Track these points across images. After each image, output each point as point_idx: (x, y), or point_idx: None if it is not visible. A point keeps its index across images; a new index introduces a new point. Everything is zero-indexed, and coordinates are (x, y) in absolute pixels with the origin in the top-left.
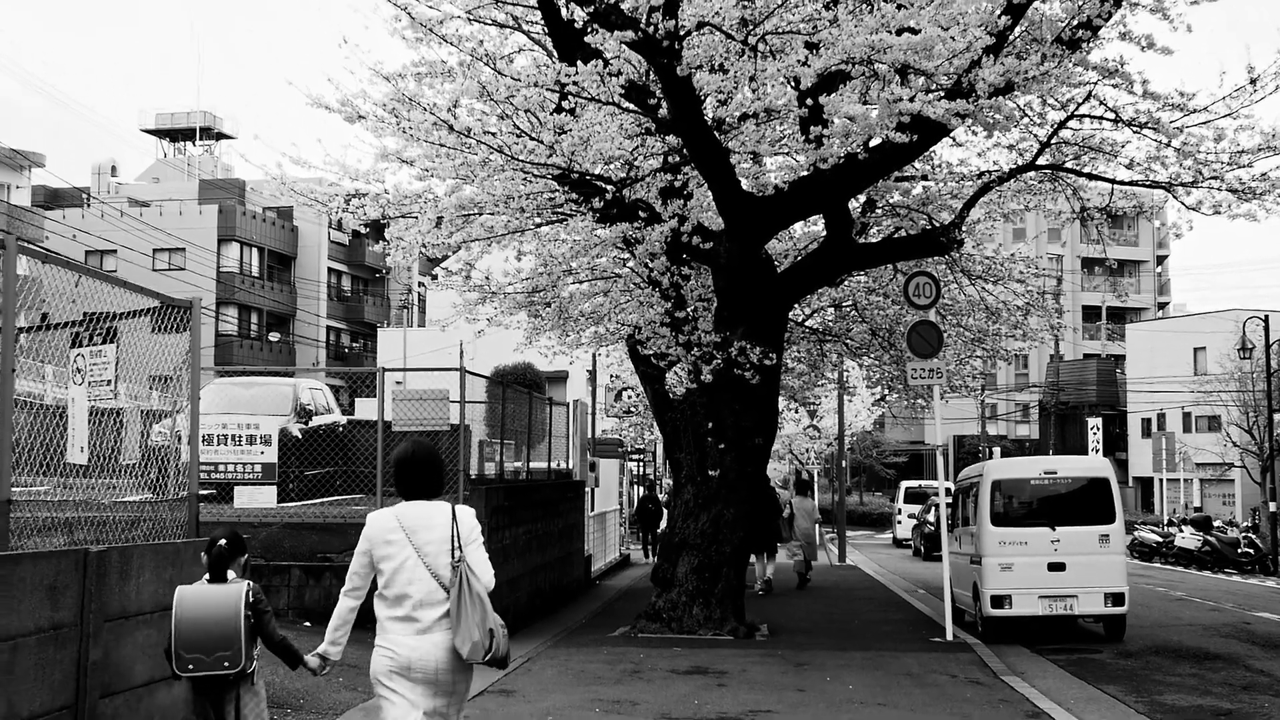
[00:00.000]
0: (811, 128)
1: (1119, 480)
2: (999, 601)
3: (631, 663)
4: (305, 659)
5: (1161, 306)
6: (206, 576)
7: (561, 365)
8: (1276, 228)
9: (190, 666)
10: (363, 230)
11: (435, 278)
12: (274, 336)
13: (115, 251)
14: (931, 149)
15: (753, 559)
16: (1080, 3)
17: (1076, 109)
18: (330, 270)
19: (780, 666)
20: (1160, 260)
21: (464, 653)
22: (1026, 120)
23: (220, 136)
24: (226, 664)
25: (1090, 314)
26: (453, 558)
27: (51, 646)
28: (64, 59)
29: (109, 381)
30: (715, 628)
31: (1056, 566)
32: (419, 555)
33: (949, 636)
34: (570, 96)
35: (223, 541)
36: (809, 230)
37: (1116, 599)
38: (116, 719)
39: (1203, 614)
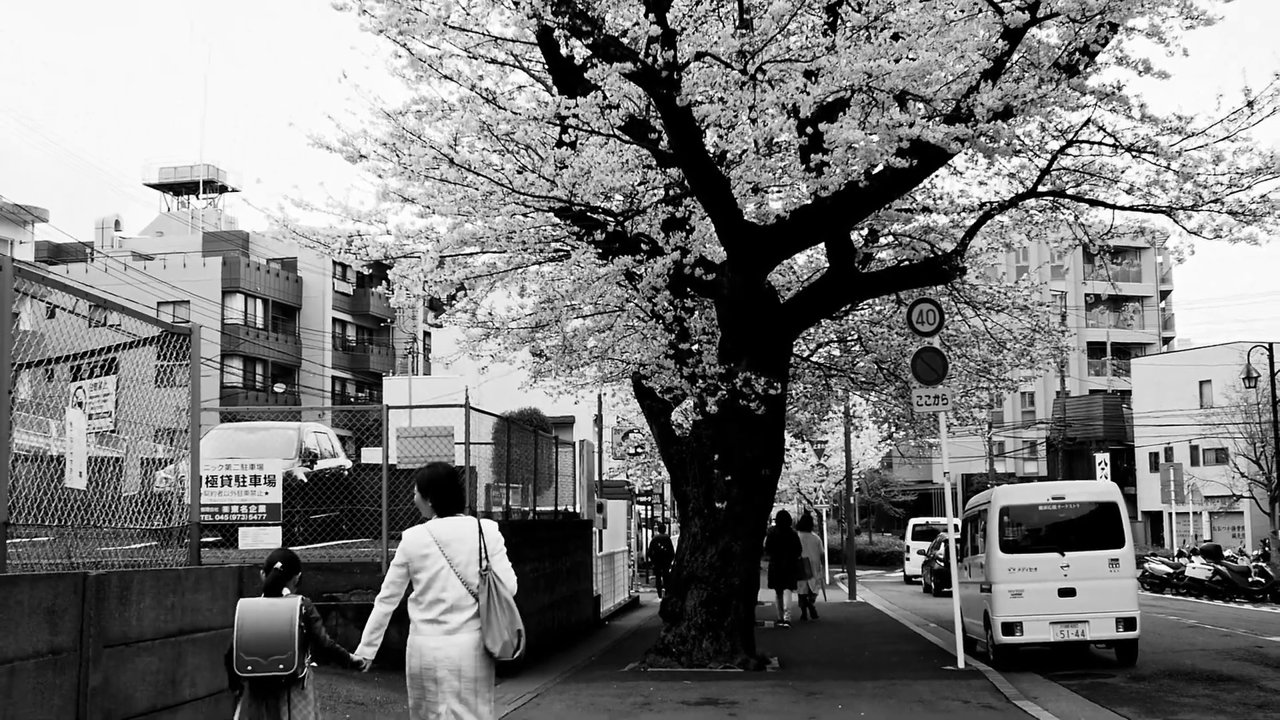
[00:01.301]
0: (812, 156)
1: (1128, 515)
2: (1010, 629)
3: (642, 695)
4: (352, 658)
5: (1166, 341)
6: (264, 592)
7: (567, 409)
8: (1275, 260)
9: (249, 668)
10: (366, 272)
11: (440, 326)
12: (279, 388)
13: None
14: (933, 178)
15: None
16: (1077, 28)
17: (1075, 134)
18: (335, 320)
19: (791, 696)
20: (1164, 295)
21: (495, 651)
22: (1026, 150)
23: (223, 189)
24: (281, 666)
25: (1095, 350)
26: (481, 567)
27: (50, 671)
28: (65, 59)
29: (109, 413)
30: (725, 660)
31: (1067, 592)
32: (450, 565)
33: (961, 664)
34: (571, 130)
35: (279, 565)
36: (811, 262)
37: (1128, 623)
38: None
39: (1215, 639)
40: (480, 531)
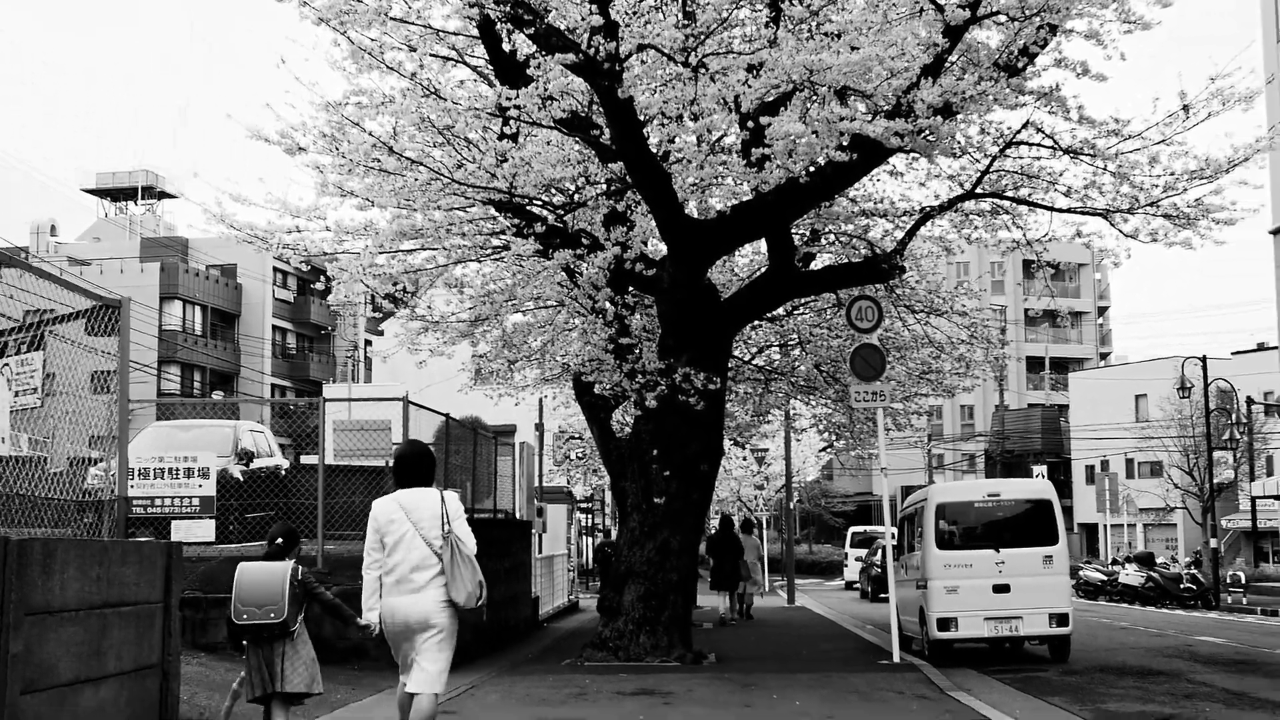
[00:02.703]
0: (753, 150)
1: (1065, 528)
2: (945, 624)
3: (577, 687)
4: (359, 623)
5: (1104, 356)
6: (262, 556)
7: (509, 416)
8: (1212, 278)
9: (244, 616)
10: (304, 268)
11: (381, 333)
12: (218, 395)
13: (54, 310)
14: (874, 180)
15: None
16: (1017, 29)
17: (1014, 136)
18: (275, 328)
19: (728, 687)
20: (1101, 311)
21: (460, 601)
22: (966, 152)
23: (162, 195)
24: (273, 615)
25: (1034, 364)
26: (443, 530)
27: None
28: (65, 61)
29: (35, 390)
30: (663, 655)
31: (1001, 588)
32: (416, 529)
33: (896, 659)
34: (513, 122)
35: (280, 540)
36: (751, 263)
37: (1061, 619)
38: (39, 717)
39: (1146, 639)
40: (442, 500)
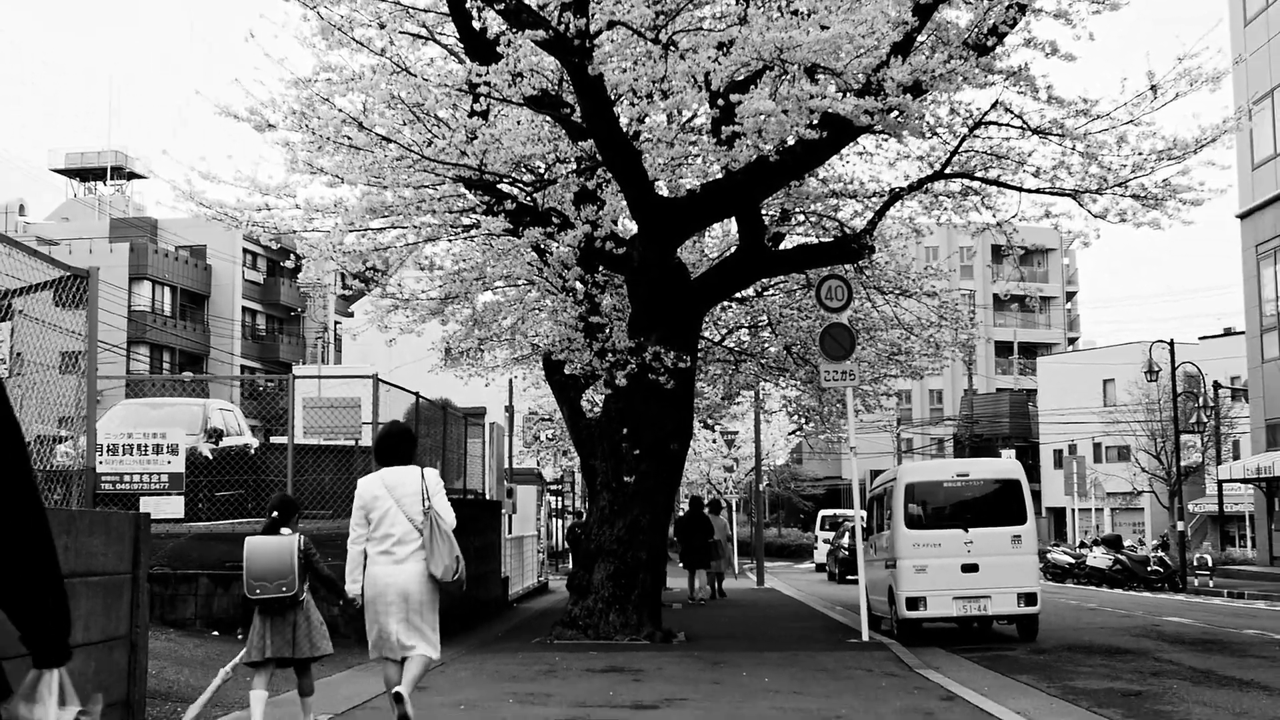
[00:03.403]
0: (723, 128)
1: (1035, 512)
2: (914, 604)
3: (547, 664)
4: (345, 591)
5: (1072, 341)
6: (264, 529)
7: (479, 399)
8: (1179, 262)
9: (258, 591)
10: (274, 247)
11: (351, 314)
12: (187, 376)
13: (21, 291)
14: (844, 161)
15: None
16: (987, 6)
17: (984, 116)
18: (245, 309)
19: (697, 665)
20: (1070, 296)
21: (438, 574)
22: (936, 130)
23: (132, 176)
24: (284, 589)
25: (1003, 349)
26: (424, 506)
27: None
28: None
29: (3, 360)
30: (632, 633)
31: (970, 568)
32: (398, 505)
33: (865, 638)
34: (482, 100)
35: (275, 513)
36: (720, 243)
37: (1029, 599)
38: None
39: (1114, 620)
40: (423, 477)
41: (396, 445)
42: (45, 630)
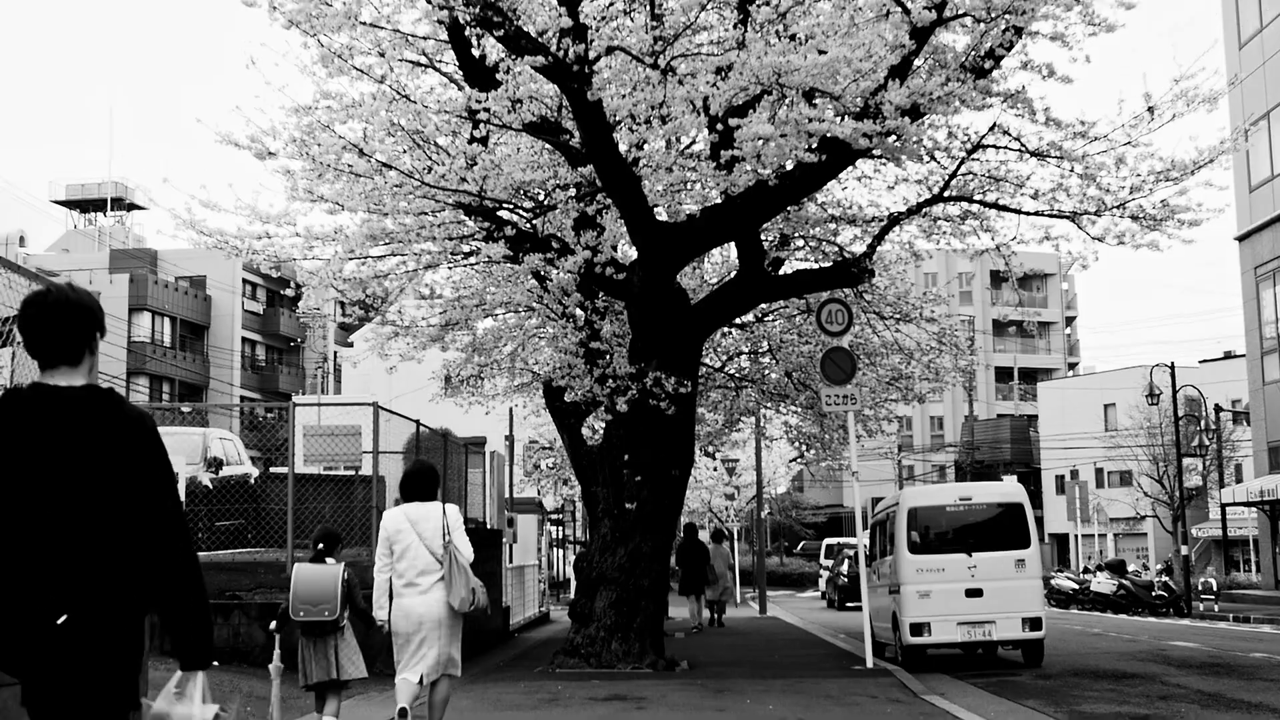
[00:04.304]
0: (722, 152)
1: (1038, 538)
2: (918, 629)
3: (549, 693)
4: (376, 620)
5: (1072, 366)
6: (310, 559)
7: (479, 428)
8: (1179, 286)
9: (301, 614)
10: (274, 273)
11: (350, 344)
12: (186, 407)
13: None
14: (842, 186)
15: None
16: (983, 30)
17: (982, 138)
18: (245, 340)
19: (701, 693)
20: (1069, 321)
21: (455, 604)
22: (935, 152)
23: (132, 207)
24: (326, 613)
25: (1003, 374)
26: (444, 540)
27: None
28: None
29: (3, 385)
30: (635, 661)
31: (974, 592)
32: (420, 539)
33: (869, 664)
34: (482, 126)
35: (320, 544)
36: (719, 269)
37: (1034, 623)
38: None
39: (1120, 644)
40: (444, 513)
41: (421, 482)
42: (194, 639)
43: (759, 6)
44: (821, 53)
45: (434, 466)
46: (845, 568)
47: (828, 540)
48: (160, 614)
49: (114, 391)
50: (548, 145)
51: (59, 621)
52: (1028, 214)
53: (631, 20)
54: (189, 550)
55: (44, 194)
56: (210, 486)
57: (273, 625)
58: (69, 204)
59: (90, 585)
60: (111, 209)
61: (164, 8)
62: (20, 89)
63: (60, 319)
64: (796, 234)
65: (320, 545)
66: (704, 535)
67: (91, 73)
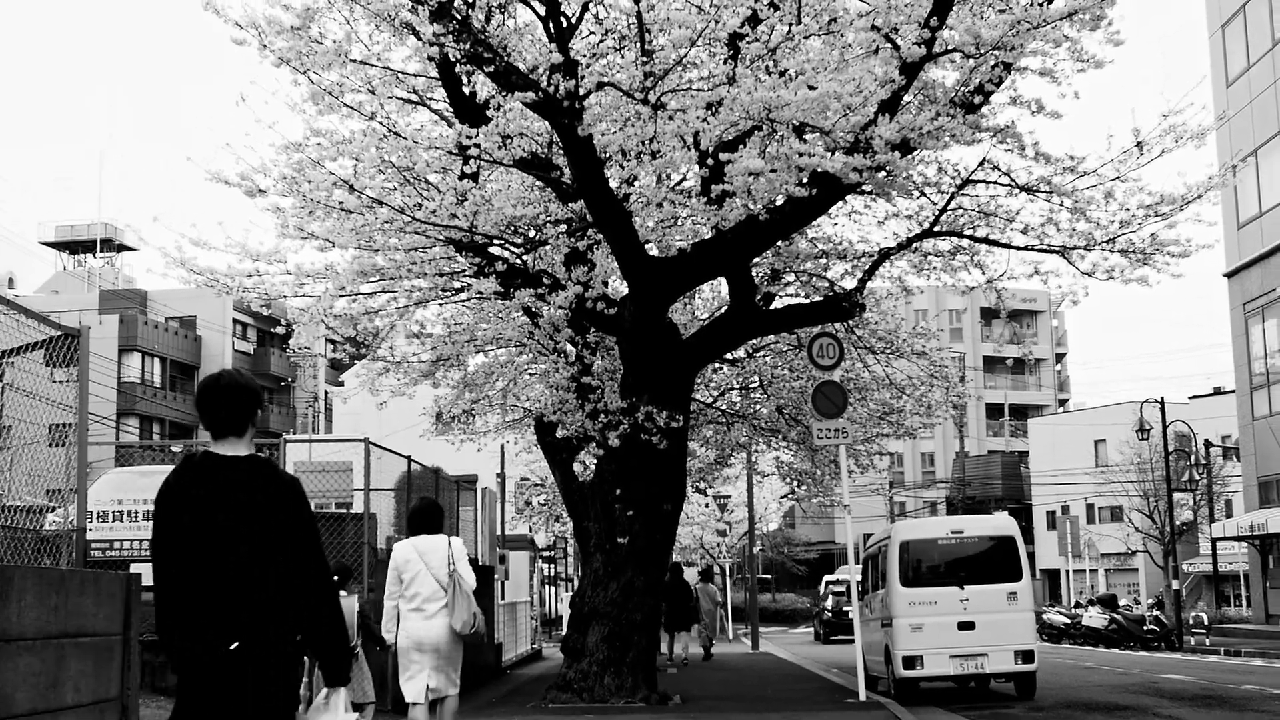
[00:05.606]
0: (713, 187)
1: (1029, 572)
2: (911, 662)
3: None
4: (386, 641)
5: (1062, 402)
6: None
7: (470, 466)
8: (1168, 323)
9: None
10: (264, 311)
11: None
12: (176, 447)
13: (13, 363)
14: (833, 223)
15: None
16: (973, 66)
17: (971, 173)
18: None
19: None
20: (1059, 358)
21: (458, 628)
22: (925, 187)
23: (121, 248)
24: None
25: (993, 411)
26: (449, 569)
27: None
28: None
29: None
30: (628, 696)
31: (966, 625)
32: (427, 568)
33: (862, 697)
34: (473, 162)
35: (335, 577)
36: (709, 304)
37: (1026, 656)
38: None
39: (1112, 678)
40: (449, 545)
41: (428, 517)
42: (336, 662)
43: (749, 43)
44: (812, 88)
45: (438, 503)
46: (829, 602)
47: (828, 577)
48: (308, 642)
49: (271, 460)
50: (538, 181)
51: (232, 648)
52: (1018, 249)
53: (622, 56)
54: (331, 590)
55: (33, 235)
56: None
57: None
58: (59, 245)
59: (255, 619)
60: (101, 250)
61: (149, 48)
62: (7, 133)
63: (231, 399)
64: (787, 269)
65: (335, 577)
66: (690, 573)
67: (81, 117)
